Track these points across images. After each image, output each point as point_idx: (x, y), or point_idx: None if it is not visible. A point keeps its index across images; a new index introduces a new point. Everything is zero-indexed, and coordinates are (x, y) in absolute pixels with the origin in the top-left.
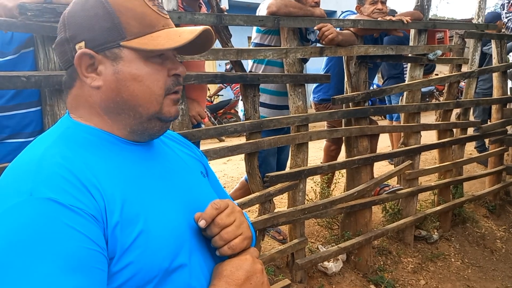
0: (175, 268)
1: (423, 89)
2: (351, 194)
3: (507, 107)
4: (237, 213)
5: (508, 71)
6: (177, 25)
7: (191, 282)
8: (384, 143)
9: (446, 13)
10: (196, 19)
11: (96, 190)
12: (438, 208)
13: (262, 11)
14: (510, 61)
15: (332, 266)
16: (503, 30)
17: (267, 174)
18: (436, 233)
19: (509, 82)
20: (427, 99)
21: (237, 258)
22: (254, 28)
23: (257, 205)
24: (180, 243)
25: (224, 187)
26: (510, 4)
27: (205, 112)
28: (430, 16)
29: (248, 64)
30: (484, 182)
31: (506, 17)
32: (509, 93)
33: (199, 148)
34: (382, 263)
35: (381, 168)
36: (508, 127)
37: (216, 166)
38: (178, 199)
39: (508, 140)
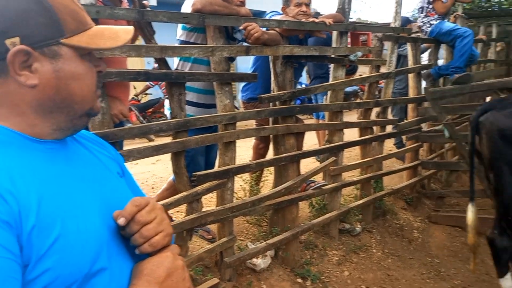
0: (95, 272)
1: (348, 89)
2: (279, 191)
3: (422, 106)
4: (158, 210)
5: (422, 72)
6: (95, 20)
7: (111, 286)
8: (313, 141)
9: (369, 16)
10: (116, 14)
11: (8, 194)
12: (361, 201)
13: (186, 8)
14: (423, 63)
15: (261, 262)
16: (418, 34)
17: (194, 173)
18: (359, 226)
19: (423, 82)
20: (352, 99)
21: (157, 256)
22: (180, 25)
23: (185, 205)
24: (99, 246)
25: (153, 187)
26: (429, 9)
27: (134, 111)
28: (355, 19)
29: (174, 62)
30: (402, 176)
31: (422, 21)
32: (423, 92)
33: (122, 148)
34: (308, 257)
35: (309, 165)
36: (422, 125)
37: (145, 166)
38: (95, 200)
39: (423, 136)
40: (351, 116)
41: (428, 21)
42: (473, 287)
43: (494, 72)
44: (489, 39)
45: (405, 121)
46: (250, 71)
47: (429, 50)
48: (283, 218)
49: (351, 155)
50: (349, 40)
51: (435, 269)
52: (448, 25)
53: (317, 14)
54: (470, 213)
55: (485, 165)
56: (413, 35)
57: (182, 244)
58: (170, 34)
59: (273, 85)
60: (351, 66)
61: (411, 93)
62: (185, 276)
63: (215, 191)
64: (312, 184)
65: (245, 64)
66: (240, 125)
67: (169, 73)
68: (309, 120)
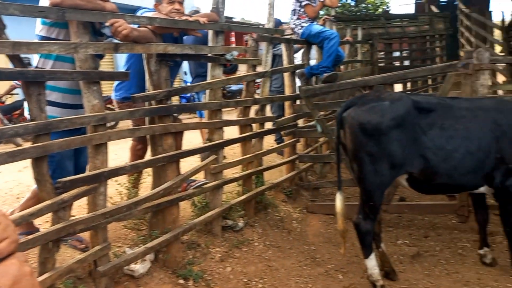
0: None
1: (234, 88)
2: (157, 193)
3: (297, 103)
4: (1, 217)
5: (296, 71)
6: None
7: None
8: (200, 140)
9: (252, 17)
10: None
11: None
12: (242, 197)
13: (45, 1)
14: (298, 63)
15: (139, 267)
16: (292, 35)
17: (59, 180)
18: (241, 221)
19: (297, 80)
20: (238, 97)
21: (1, 264)
22: (39, 19)
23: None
24: None
25: (18, 197)
26: (301, 12)
27: None
28: (239, 19)
29: (34, 60)
30: (282, 170)
31: (294, 24)
32: (297, 91)
33: None
34: (191, 256)
35: (193, 164)
36: (298, 121)
37: (10, 174)
38: None
39: (299, 132)
40: (234, 115)
41: (300, 24)
42: (345, 269)
43: (361, 72)
44: (355, 41)
45: (283, 118)
46: (123, 69)
47: (302, 50)
48: (163, 220)
49: (235, 152)
50: (233, 39)
51: (311, 256)
52: (316, 27)
53: (196, 13)
54: (339, 201)
55: (349, 157)
56: (286, 36)
57: (48, 256)
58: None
59: (148, 84)
60: (232, 65)
61: (287, 91)
62: (34, 282)
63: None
64: (193, 184)
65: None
66: (124, 125)
67: (25, 72)
68: (195, 119)
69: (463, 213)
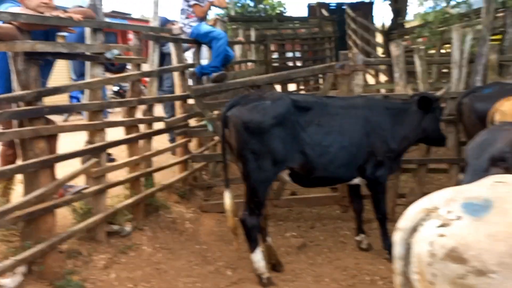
0: None
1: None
2: (28, 201)
3: (188, 102)
4: None
5: (186, 71)
6: None
7: None
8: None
9: (149, 14)
10: None
11: None
12: (129, 201)
13: None
14: (187, 62)
15: (9, 281)
16: (181, 34)
17: None
18: (129, 226)
19: (189, 80)
20: None
21: None
22: None
23: None
24: None
25: None
26: (189, 12)
27: None
28: (133, 16)
29: None
30: (175, 171)
31: (183, 23)
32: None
33: None
34: (71, 266)
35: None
36: (190, 120)
37: None
38: None
39: (190, 131)
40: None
41: (188, 23)
42: (234, 265)
43: (255, 71)
44: (250, 41)
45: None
46: None
47: (192, 50)
48: (37, 229)
49: (127, 155)
50: (131, 36)
51: (202, 255)
52: (204, 27)
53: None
54: (227, 199)
55: (235, 155)
56: (176, 36)
57: None
58: None
59: (15, 84)
60: (120, 64)
61: (177, 91)
62: None
63: None
64: (70, 189)
65: None
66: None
67: None
68: (82, 121)
69: (344, 203)
